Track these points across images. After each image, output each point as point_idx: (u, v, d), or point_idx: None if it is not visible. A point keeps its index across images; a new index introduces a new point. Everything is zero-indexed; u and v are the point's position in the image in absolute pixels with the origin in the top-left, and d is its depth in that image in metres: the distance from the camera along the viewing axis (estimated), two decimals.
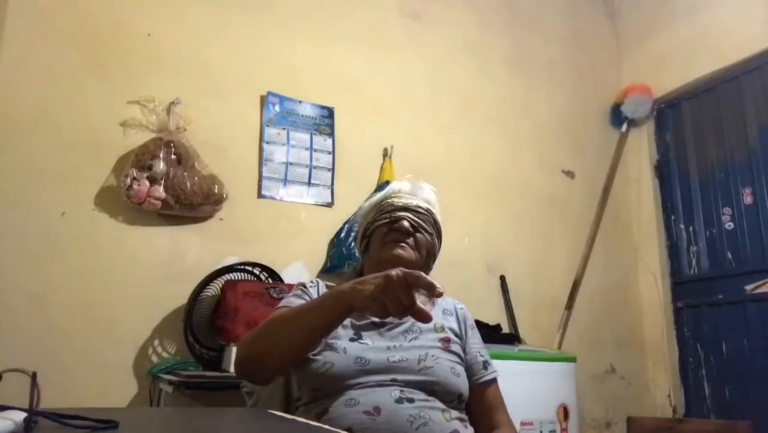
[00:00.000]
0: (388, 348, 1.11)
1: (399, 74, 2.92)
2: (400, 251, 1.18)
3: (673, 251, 3.27)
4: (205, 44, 2.47)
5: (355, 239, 1.82)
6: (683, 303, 3.19)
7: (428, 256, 1.26)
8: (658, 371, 3.22)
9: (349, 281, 0.99)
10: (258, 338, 1.04)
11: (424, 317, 0.90)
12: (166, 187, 2.16)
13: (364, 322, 1.16)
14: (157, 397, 2.06)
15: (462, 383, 1.13)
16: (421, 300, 0.95)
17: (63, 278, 2.06)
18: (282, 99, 2.57)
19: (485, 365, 1.22)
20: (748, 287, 2.85)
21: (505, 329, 2.82)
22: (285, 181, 2.52)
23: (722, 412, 2.88)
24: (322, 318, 0.99)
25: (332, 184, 2.62)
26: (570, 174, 3.31)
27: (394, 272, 0.89)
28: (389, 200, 1.27)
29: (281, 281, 2.27)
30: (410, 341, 1.14)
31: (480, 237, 2.94)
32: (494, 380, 1.22)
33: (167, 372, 2.00)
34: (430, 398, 1.06)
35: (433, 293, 0.88)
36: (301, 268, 2.46)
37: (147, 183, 2.13)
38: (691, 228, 3.22)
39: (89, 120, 2.20)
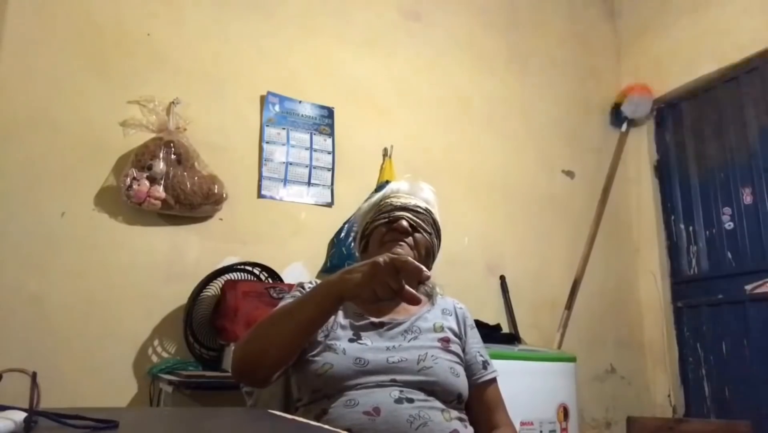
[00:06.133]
0: (388, 348, 1.11)
1: (399, 74, 2.92)
2: (399, 250, 1.18)
3: (673, 251, 3.27)
4: (205, 44, 2.47)
5: (354, 239, 1.82)
6: (683, 303, 3.19)
7: (427, 255, 1.26)
8: (657, 371, 3.22)
9: (337, 272, 0.99)
10: (252, 338, 1.03)
11: (414, 300, 0.90)
12: (166, 187, 2.16)
13: (363, 322, 1.16)
14: (157, 397, 2.06)
15: (461, 383, 1.13)
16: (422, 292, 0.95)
17: (63, 278, 2.06)
18: (282, 99, 2.57)
19: (485, 364, 1.22)
20: (748, 287, 2.85)
21: (505, 329, 2.82)
22: (285, 181, 2.52)
23: (722, 412, 2.88)
24: (313, 311, 1.00)
25: (332, 184, 2.62)
26: (570, 174, 3.31)
27: (381, 258, 0.90)
28: (388, 200, 1.27)
29: (281, 281, 2.27)
30: (409, 341, 1.14)
31: (480, 237, 2.94)
32: (494, 380, 1.22)
33: (167, 372, 2.00)
34: (430, 398, 1.06)
35: (419, 277, 0.89)
36: (301, 268, 2.46)
37: (147, 183, 2.13)
38: (691, 228, 3.21)
39: (89, 120, 2.19)
